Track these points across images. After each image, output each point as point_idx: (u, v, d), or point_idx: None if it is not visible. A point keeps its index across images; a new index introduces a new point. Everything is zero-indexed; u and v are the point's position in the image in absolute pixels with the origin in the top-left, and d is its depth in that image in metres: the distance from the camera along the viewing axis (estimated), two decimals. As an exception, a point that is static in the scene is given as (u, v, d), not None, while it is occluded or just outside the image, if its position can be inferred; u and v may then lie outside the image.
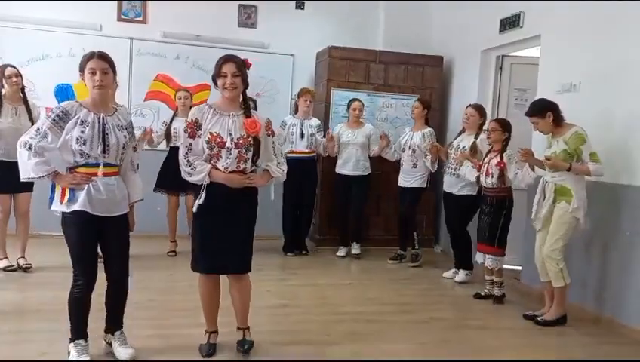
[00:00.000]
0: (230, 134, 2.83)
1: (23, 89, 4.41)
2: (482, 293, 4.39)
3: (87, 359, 2.73)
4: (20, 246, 4.48)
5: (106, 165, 2.70)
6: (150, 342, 3.05)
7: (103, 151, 2.68)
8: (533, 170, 4.00)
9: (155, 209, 5.24)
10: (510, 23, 5.11)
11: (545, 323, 3.76)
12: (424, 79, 6.14)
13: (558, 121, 3.73)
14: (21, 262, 4.46)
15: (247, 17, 6.30)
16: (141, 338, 3.03)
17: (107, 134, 2.68)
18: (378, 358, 3.13)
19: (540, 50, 4.77)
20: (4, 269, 4.38)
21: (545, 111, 3.72)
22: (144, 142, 4.94)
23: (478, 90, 5.61)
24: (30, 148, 2.60)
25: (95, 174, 2.68)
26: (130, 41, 5.85)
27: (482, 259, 4.34)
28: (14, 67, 4.39)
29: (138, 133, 4.41)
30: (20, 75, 4.37)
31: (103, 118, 2.69)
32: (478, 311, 4.14)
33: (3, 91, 4.30)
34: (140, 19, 5.99)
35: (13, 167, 4.19)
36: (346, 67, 5.98)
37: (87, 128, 2.64)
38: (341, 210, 5.65)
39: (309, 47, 6.26)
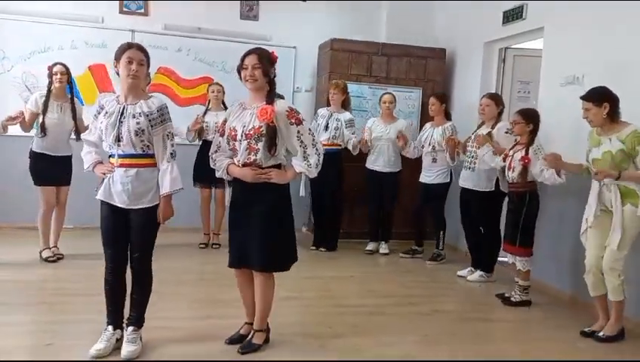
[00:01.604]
0: (243, 126, 2.80)
1: (71, 87, 4.56)
2: (507, 295, 4.15)
3: (100, 346, 2.76)
4: (54, 236, 4.63)
5: (123, 156, 2.71)
6: (157, 333, 3.04)
7: (118, 140, 2.69)
8: (559, 175, 3.75)
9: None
10: (513, 14, 5.09)
11: (607, 339, 3.41)
12: (427, 72, 6.12)
13: (613, 116, 3.37)
14: (54, 251, 4.61)
15: (249, 10, 6.27)
16: (148, 329, 3.01)
17: (122, 123, 2.70)
18: (380, 350, 3.13)
19: (543, 43, 4.75)
20: (46, 259, 4.47)
21: (603, 100, 3.36)
22: (194, 133, 5.10)
23: (481, 82, 5.59)
24: (85, 143, 2.89)
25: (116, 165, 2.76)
26: (131, 34, 5.83)
27: (511, 259, 4.08)
28: (63, 65, 4.50)
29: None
30: (67, 73, 4.48)
31: (123, 108, 2.72)
32: (482, 304, 4.15)
33: (52, 88, 4.44)
34: (142, 11, 5.97)
35: (57, 161, 4.41)
36: (348, 59, 5.96)
37: (106, 117, 2.73)
38: (370, 205, 5.55)
39: (311, 40, 6.25)
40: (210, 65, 6.08)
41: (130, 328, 2.87)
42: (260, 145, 2.78)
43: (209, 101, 5.33)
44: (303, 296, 4.07)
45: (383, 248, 5.57)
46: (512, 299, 4.08)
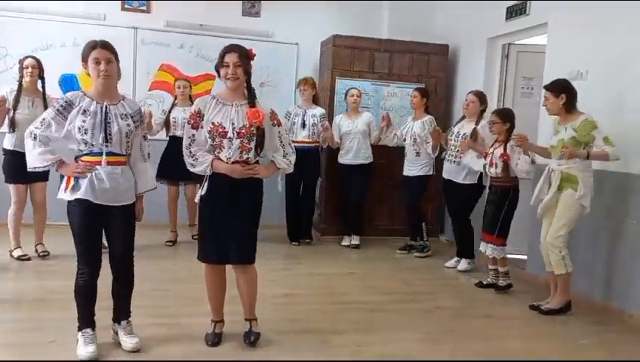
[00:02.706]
0: (232, 124, 2.82)
1: (43, 81, 4.46)
2: (485, 282, 4.39)
3: (93, 349, 2.73)
4: (38, 234, 4.59)
5: (109, 154, 2.70)
6: (153, 331, 3.07)
7: (106, 140, 2.67)
8: (528, 155, 4.00)
9: (153, 198, 5.26)
10: (516, 10, 5.07)
11: (548, 312, 3.73)
12: (429, 68, 6.10)
13: (569, 106, 3.66)
14: (39, 248, 4.58)
15: (251, 6, 6.27)
16: (144, 327, 3.04)
17: (109, 123, 2.68)
18: (382, 347, 3.12)
19: (547, 38, 4.72)
20: (19, 258, 4.44)
21: (560, 91, 3.65)
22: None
23: (484, 78, 5.56)
24: (35, 138, 2.65)
25: (98, 163, 2.68)
26: (134, 31, 5.84)
27: (484, 248, 4.32)
28: (35, 58, 4.43)
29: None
30: (38, 67, 4.39)
31: (106, 107, 2.70)
32: (484, 301, 4.14)
33: (22, 82, 4.36)
34: (144, 8, 5.97)
35: None
36: (350, 56, 5.95)
37: (89, 117, 2.66)
38: (344, 199, 5.64)
39: (314, 36, 6.23)
40: (213, 62, 5.91)
41: (124, 322, 2.89)
42: (252, 144, 2.85)
43: (175, 96, 5.32)
44: (304, 292, 4.08)
45: (355, 239, 5.58)
46: (499, 283, 4.29)
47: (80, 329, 2.78)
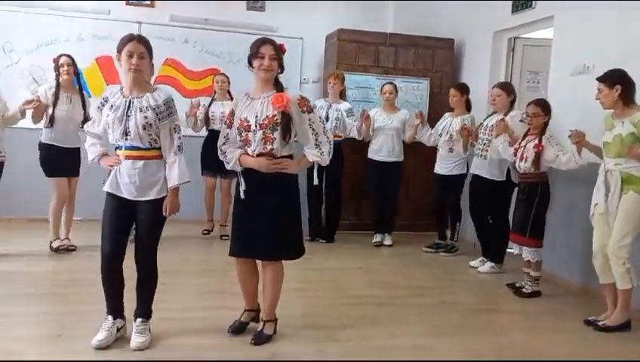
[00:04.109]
0: (256, 116, 2.80)
1: (78, 77, 4.58)
2: (517, 285, 4.14)
3: (102, 337, 2.77)
4: (65, 228, 4.68)
5: (130, 148, 2.73)
6: (163, 325, 3.05)
7: (125, 134, 2.70)
8: (579, 155, 3.68)
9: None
10: (522, 4, 5.04)
11: (606, 329, 3.37)
12: (435, 62, 6.07)
13: (626, 99, 3.31)
14: (65, 243, 4.66)
15: (256, 1, 6.25)
16: (155, 321, 3.04)
17: (129, 117, 2.70)
18: (389, 341, 3.12)
19: (553, 32, 4.70)
20: (57, 250, 4.55)
21: (614, 81, 3.31)
22: (194, 119, 5.12)
23: (490, 72, 5.55)
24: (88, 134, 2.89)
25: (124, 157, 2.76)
26: (138, 26, 5.82)
27: (518, 250, 4.10)
28: (69, 56, 4.50)
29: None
30: (72, 65, 4.47)
31: (129, 101, 2.72)
32: (491, 296, 4.14)
33: (60, 80, 4.45)
34: (148, 2, 5.96)
35: (67, 152, 4.47)
36: (355, 50, 5.92)
37: (112, 112, 2.73)
38: (375, 195, 5.50)
39: (318, 31, 6.21)
40: (217, 57, 6.07)
41: (139, 320, 2.88)
42: (276, 133, 2.80)
43: (215, 91, 5.38)
44: (311, 287, 4.08)
45: (387, 240, 5.53)
46: (523, 290, 4.06)
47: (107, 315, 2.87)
